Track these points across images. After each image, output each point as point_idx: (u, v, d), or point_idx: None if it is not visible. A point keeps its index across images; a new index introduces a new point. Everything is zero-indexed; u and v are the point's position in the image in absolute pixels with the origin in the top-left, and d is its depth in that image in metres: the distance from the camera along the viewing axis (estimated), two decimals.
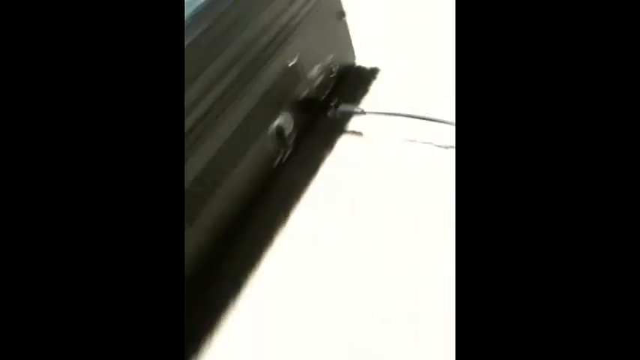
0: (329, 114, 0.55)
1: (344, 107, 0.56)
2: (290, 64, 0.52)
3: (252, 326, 0.40)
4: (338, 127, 0.57)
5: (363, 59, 0.65)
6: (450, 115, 0.47)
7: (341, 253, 0.44)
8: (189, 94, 0.40)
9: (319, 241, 0.45)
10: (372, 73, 0.63)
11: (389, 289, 0.40)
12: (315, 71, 0.56)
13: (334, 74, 0.59)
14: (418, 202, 0.46)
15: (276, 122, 0.51)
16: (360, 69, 0.64)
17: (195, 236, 0.42)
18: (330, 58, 0.58)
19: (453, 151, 0.48)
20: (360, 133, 0.56)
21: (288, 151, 0.53)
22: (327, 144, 0.55)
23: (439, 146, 0.50)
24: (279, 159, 0.52)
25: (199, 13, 0.41)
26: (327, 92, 0.58)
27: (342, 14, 0.59)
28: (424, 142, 0.51)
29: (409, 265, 0.41)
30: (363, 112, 0.56)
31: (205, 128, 0.42)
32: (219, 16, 0.43)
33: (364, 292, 0.40)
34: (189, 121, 0.40)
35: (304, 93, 0.55)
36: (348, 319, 0.39)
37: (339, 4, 0.59)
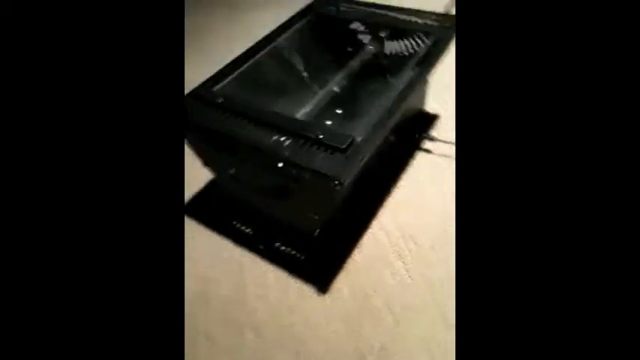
0: (416, 136, 1.00)
1: (424, 135, 1.01)
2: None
3: None
4: (417, 145, 1.01)
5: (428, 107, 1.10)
6: None
7: None
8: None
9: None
10: (435, 115, 1.08)
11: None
12: (411, 112, 1.00)
13: (416, 113, 1.04)
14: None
15: (392, 137, 0.94)
16: (426, 112, 1.09)
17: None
18: (417, 104, 1.02)
19: None
20: (430, 151, 1.00)
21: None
22: (411, 154, 0.99)
23: None
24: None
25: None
26: (412, 124, 1.03)
27: (427, 86, 1.04)
28: None
29: None
30: (433, 139, 1.00)
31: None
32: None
33: None
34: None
35: (404, 123, 0.99)
36: None
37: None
